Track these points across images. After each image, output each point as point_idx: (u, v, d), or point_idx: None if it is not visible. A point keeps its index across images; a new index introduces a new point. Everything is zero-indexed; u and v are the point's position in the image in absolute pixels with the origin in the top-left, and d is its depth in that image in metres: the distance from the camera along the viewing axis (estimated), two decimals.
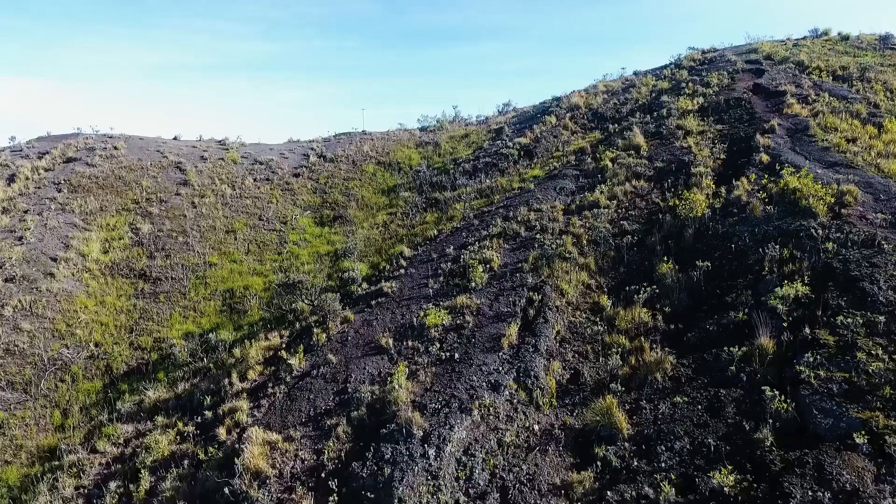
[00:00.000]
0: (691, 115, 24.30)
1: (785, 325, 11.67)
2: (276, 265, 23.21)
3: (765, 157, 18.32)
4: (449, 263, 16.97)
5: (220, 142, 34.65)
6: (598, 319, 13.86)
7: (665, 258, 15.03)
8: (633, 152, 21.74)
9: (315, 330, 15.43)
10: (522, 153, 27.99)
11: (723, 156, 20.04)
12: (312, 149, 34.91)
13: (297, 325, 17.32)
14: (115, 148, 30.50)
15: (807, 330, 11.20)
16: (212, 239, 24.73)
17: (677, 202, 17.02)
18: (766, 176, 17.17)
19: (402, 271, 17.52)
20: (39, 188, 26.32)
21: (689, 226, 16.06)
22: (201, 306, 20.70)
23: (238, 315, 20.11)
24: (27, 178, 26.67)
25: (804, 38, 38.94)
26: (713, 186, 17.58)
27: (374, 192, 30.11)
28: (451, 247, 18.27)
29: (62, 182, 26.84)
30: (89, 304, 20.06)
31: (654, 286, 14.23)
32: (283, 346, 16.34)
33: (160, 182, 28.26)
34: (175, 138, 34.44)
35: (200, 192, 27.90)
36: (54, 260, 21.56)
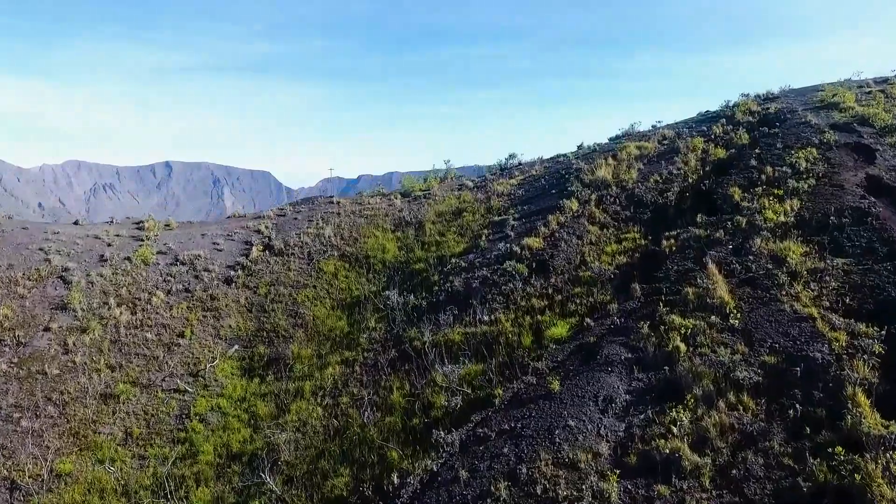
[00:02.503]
0: (790, 236, 16.21)
1: None
2: (161, 472, 15.16)
3: None
4: None
5: (137, 225, 26.59)
6: None
7: None
8: (715, 318, 13.65)
9: None
10: (534, 266, 19.96)
11: (879, 348, 11.95)
12: (259, 231, 26.91)
13: None
14: None
15: None
16: (77, 416, 16.73)
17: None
18: None
19: None
20: None
21: None
22: None
23: None
24: None
25: (887, 80, 30.80)
26: None
27: (332, 307, 22.10)
28: None
29: None
30: None
31: None
32: None
33: (27, 307, 20.23)
34: (76, 223, 26.43)
35: (83, 322, 19.86)
36: None
